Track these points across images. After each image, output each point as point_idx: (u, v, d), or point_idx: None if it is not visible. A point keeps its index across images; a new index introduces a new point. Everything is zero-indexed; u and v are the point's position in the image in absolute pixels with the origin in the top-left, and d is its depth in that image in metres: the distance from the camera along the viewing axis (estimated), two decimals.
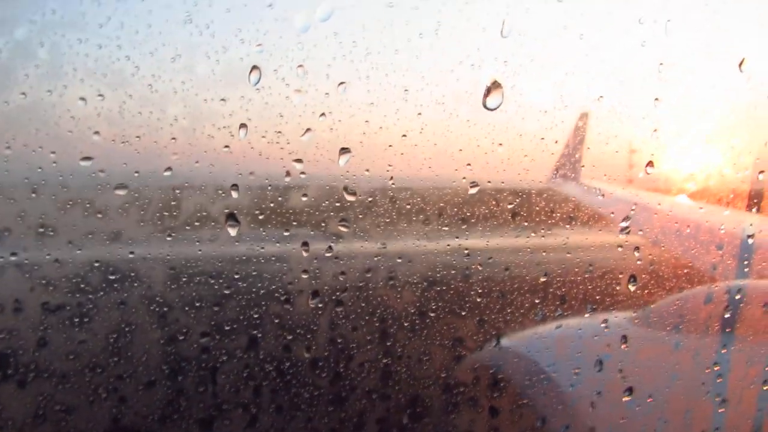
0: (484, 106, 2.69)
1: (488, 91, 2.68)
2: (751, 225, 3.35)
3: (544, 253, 3.11)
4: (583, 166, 3.29)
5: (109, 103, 2.31)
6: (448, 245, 2.99)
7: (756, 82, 3.04)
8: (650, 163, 3.01)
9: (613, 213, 3.28)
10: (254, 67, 2.41)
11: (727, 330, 3.45)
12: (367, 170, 2.67)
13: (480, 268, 3.03)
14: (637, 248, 3.19)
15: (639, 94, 3.08)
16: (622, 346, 3.17)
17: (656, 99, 2.97)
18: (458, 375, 3.13)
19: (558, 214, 3.15)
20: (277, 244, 2.67)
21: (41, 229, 2.36)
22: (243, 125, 2.44)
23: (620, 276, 3.27)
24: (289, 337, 2.75)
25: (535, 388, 3.22)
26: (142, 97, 2.35)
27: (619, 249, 3.21)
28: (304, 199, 2.63)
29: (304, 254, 2.67)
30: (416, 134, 2.69)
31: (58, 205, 2.38)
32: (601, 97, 2.98)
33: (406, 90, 2.64)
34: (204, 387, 2.67)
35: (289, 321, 2.75)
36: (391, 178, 2.75)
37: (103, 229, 2.46)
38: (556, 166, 3.24)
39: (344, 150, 2.59)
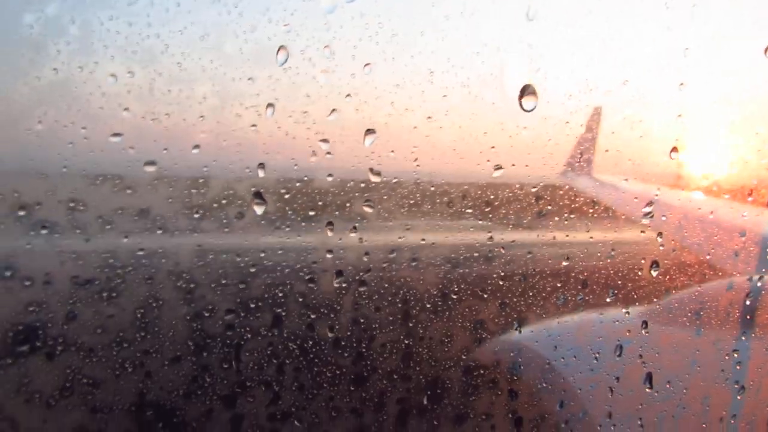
0: (521, 107, 2.71)
1: (522, 93, 2.70)
2: None
3: (567, 237, 3.15)
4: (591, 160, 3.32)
5: (139, 80, 2.34)
6: (471, 228, 3.03)
7: None
8: (675, 149, 3.02)
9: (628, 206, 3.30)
10: (281, 47, 2.44)
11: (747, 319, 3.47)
12: (392, 151, 2.70)
13: (503, 251, 3.07)
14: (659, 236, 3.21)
15: (664, 79, 3.09)
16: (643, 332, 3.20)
17: (681, 84, 2.97)
18: (479, 356, 3.17)
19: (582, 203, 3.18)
20: (303, 224, 2.71)
21: (71, 204, 2.39)
22: (270, 105, 2.47)
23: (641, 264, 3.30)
24: (312, 316, 2.79)
25: (553, 374, 3.26)
26: (171, 75, 2.38)
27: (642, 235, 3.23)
28: (330, 179, 2.66)
29: (329, 234, 2.70)
30: (441, 116, 2.72)
31: (88, 180, 2.41)
32: (627, 81, 3.00)
33: (431, 72, 2.67)
34: (228, 362, 2.71)
35: (312, 300, 2.79)
36: (416, 159, 2.78)
37: (132, 205, 2.50)
38: (568, 160, 3.26)
39: (369, 131, 2.62)
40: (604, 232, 3.22)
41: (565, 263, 3.17)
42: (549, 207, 3.10)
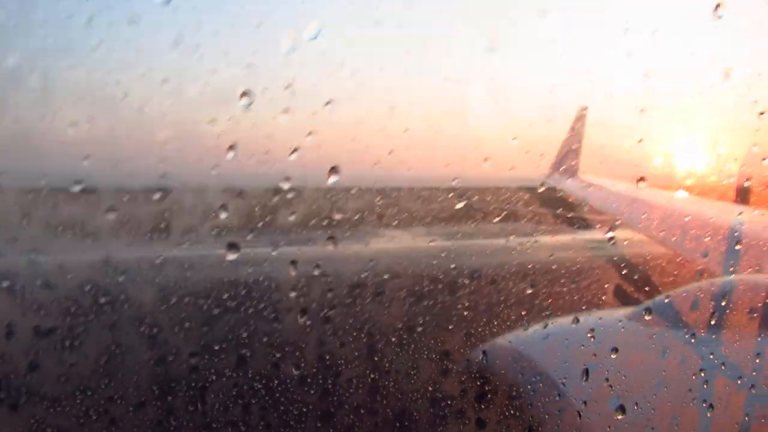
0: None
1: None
2: (739, 214, 3.49)
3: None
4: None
5: (100, 127, 2.39)
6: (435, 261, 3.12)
7: (742, 90, 3.16)
8: (642, 179, 3.13)
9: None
10: (243, 92, 2.50)
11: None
12: (352, 190, 2.77)
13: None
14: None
15: (625, 104, 3.21)
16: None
17: (641, 110, 3.07)
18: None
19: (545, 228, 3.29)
20: (265, 264, 2.77)
21: (32, 255, 2.45)
22: (231, 146, 2.52)
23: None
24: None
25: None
26: (133, 121, 2.44)
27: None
28: (292, 218, 2.73)
29: (292, 274, 2.77)
30: (403, 150, 2.80)
31: (49, 229, 2.47)
32: (587, 107, 3.11)
33: (392, 108, 2.74)
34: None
35: (278, 338, 2.87)
36: (379, 193, 2.86)
37: (93, 250, 2.56)
38: (554, 162, 3.37)
39: (333, 170, 2.68)
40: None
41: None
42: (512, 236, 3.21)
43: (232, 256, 2.60)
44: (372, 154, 2.75)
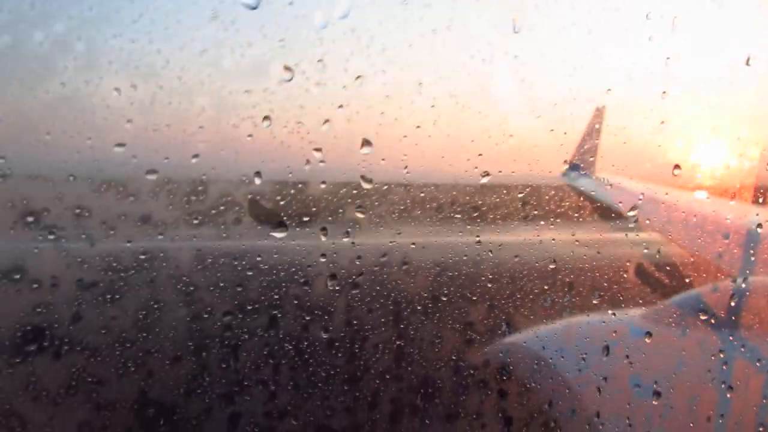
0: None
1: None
2: (757, 215, 3.50)
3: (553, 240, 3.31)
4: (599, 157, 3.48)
5: (141, 93, 2.51)
6: (460, 232, 3.20)
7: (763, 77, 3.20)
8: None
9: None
10: (285, 66, 2.61)
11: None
12: (383, 160, 2.86)
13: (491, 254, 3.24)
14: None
15: (645, 87, 3.26)
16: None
17: (663, 92, 3.12)
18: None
19: (568, 206, 3.35)
20: (297, 229, 2.87)
21: (77, 210, 2.57)
22: (266, 117, 2.63)
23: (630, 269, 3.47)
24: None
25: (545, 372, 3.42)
26: (172, 89, 2.55)
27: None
28: (323, 186, 2.83)
29: (323, 239, 2.86)
30: (430, 126, 2.89)
31: (93, 188, 2.59)
32: (609, 90, 3.17)
33: (420, 83, 2.84)
34: None
35: (307, 302, 2.97)
36: (406, 167, 2.95)
37: (134, 212, 2.67)
38: (570, 159, 3.42)
39: (366, 142, 2.78)
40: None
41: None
42: (535, 212, 3.27)
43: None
44: (400, 127, 2.83)
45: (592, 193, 3.48)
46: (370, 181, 2.87)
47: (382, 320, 3.08)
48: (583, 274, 3.34)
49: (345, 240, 2.92)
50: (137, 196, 2.66)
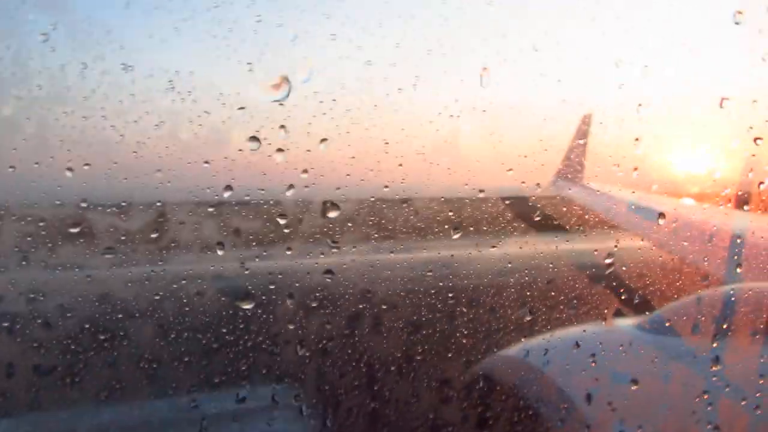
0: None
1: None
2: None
3: None
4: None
5: (96, 170, 2.43)
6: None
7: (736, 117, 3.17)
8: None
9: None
10: (252, 136, 2.54)
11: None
12: (350, 224, 2.80)
13: None
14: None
15: (618, 134, 3.21)
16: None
17: (636, 139, 3.09)
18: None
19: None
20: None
21: (31, 295, 2.49)
22: (228, 186, 2.56)
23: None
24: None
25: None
26: (128, 164, 2.47)
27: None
28: (289, 252, 2.76)
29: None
30: (398, 185, 2.82)
31: (47, 271, 2.51)
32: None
33: (386, 143, 2.76)
34: None
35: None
36: (377, 227, 2.89)
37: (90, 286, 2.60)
38: (558, 170, 3.40)
39: (333, 206, 2.72)
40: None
41: None
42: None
43: None
44: (367, 188, 2.77)
45: (581, 201, 3.46)
46: (336, 243, 2.80)
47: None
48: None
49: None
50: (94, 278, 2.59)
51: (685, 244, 3.63)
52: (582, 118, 3.33)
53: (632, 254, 3.44)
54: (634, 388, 3.27)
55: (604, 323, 3.45)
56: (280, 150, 2.60)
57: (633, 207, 3.37)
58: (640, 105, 3.04)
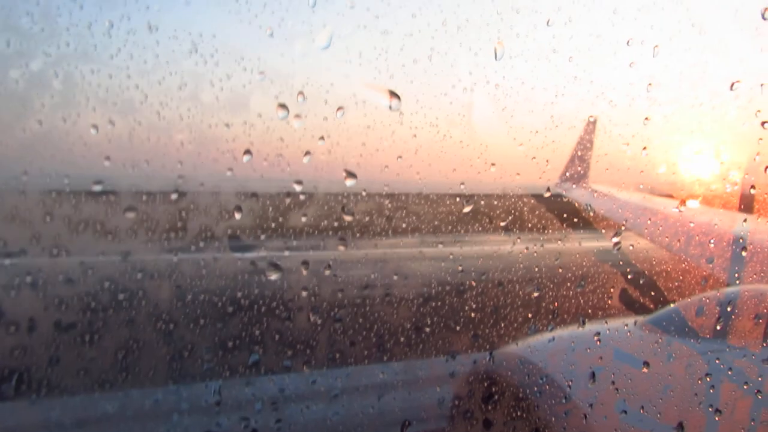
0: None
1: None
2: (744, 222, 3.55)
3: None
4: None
5: (120, 129, 2.48)
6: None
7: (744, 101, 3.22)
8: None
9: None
10: (280, 104, 2.59)
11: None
12: (365, 191, 2.85)
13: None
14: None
15: (628, 113, 3.26)
16: None
17: (646, 118, 3.13)
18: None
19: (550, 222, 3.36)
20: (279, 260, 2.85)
21: (54, 249, 2.53)
22: (247, 151, 2.61)
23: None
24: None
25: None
26: (151, 124, 2.52)
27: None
28: (304, 219, 2.80)
29: (304, 273, 2.84)
30: (411, 155, 2.87)
31: (71, 226, 2.55)
32: (591, 116, 3.18)
33: (400, 113, 2.81)
34: None
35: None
36: (389, 197, 2.93)
37: (113, 249, 2.64)
38: (563, 170, 3.44)
39: (350, 174, 2.76)
40: None
41: None
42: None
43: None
44: (381, 158, 2.82)
45: (586, 203, 3.49)
46: (351, 213, 2.84)
47: None
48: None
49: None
50: (115, 234, 2.62)
51: (689, 245, 3.66)
52: (588, 120, 3.38)
53: (630, 253, 3.48)
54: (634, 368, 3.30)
55: (605, 323, 3.49)
56: (297, 116, 2.64)
57: (634, 207, 3.41)
58: (650, 84, 3.09)
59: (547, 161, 3.08)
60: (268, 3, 2.52)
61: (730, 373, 3.49)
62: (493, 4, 2.86)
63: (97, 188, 2.48)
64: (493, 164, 3.00)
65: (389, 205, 2.94)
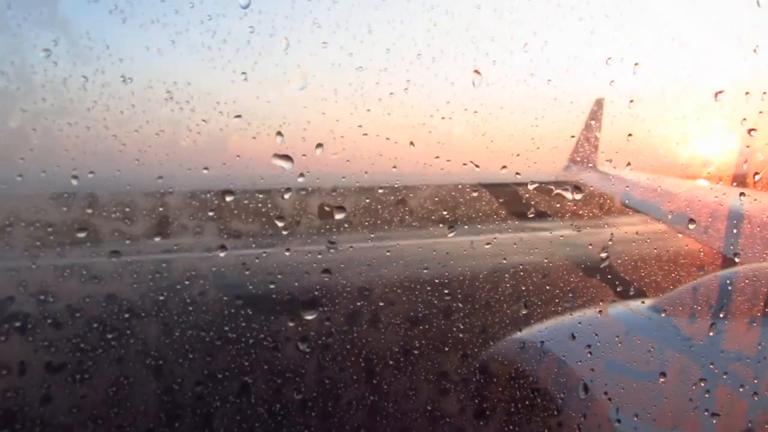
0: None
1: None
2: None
3: None
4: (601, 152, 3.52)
5: (100, 178, 2.54)
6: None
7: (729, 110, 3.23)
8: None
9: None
10: (233, 137, 2.64)
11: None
12: (347, 225, 2.89)
13: None
14: None
15: (611, 131, 3.29)
16: None
17: (629, 134, 3.16)
18: None
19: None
20: None
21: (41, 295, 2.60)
22: (228, 191, 2.67)
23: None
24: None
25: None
26: (131, 171, 2.57)
27: None
28: (287, 254, 2.86)
29: None
30: (392, 188, 2.91)
31: (51, 278, 2.62)
32: (572, 137, 3.20)
33: (382, 143, 2.85)
34: None
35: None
36: (371, 231, 2.99)
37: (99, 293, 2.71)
38: (570, 155, 3.47)
39: (339, 209, 2.83)
40: None
41: None
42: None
43: None
44: (362, 192, 2.86)
45: (595, 185, 3.52)
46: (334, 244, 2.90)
47: None
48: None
49: None
50: (100, 278, 2.69)
51: (697, 225, 3.67)
52: (594, 103, 3.41)
53: (641, 235, 3.51)
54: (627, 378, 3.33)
55: (604, 307, 3.51)
56: (276, 156, 2.69)
57: (645, 189, 3.45)
58: (631, 101, 3.11)
59: (529, 183, 3.11)
60: (240, 48, 2.57)
61: (725, 377, 3.50)
62: (468, 33, 2.89)
63: (81, 235, 2.54)
64: (474, 191, 3.04)
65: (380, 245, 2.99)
